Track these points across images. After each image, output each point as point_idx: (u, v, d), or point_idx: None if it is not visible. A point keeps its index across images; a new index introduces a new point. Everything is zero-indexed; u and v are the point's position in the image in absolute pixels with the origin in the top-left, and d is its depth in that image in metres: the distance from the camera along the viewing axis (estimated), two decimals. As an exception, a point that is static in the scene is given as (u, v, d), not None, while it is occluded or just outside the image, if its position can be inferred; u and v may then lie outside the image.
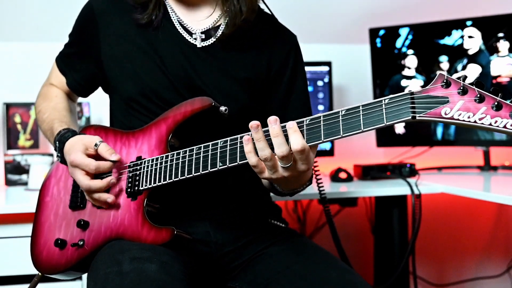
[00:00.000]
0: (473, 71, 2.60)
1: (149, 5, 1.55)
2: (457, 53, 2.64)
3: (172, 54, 1.54)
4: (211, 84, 1.53)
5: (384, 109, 1.10)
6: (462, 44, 2.63)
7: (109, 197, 1.43)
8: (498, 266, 3.07)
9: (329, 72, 2.73)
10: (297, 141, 1.20)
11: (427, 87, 1.07)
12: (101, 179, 1.44)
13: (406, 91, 1.10)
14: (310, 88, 2.69)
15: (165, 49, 1.55)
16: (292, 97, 1.61)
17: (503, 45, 2.54)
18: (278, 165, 1.23)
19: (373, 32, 2.79)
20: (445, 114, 1.03)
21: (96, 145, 1.44)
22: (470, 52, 2.61)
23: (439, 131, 2.69)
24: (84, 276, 1.89)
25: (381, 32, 2.78)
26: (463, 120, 1.01)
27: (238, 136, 1.30)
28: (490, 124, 0.98)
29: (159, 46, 1.55)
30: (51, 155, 2.43)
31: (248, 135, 1.26)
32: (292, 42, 1.65)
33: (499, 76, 2.55)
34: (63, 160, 1.51)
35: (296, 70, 1.63)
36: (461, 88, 1.02)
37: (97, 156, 1.44)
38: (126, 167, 1.48)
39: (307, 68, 2.63)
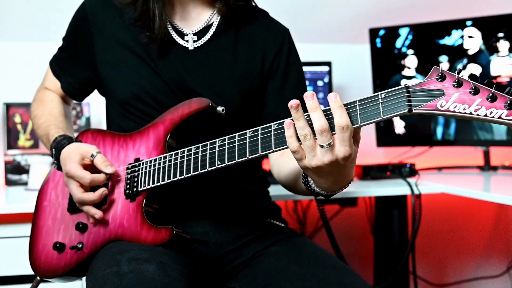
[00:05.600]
0: (473, 71, 2.59)
1: (150, 25, 1.53)
2: (457, 53, 2.64)
3: (165, 58, 1.55)
4: (205, 86, 1.54)
5: (380, 103, 1.11)
6: (462, 44, 2.63)
7: (96, 213, 1.42)
8: (498, 266, 3.07)
9: (329, 72, 2.73)
10: (342, 118, 1.13)
11: (422, 81, 1.07)
12: (94, 190, 1.43)
13: (403, 84, 1.10)
14: (310, 88, 2.69)
15: (158, 53, 1.55)
16: (287, 90, 1.61)
17: (503, 45, 2.54)
18: (317, 146, 1.16)
19: (373, 32, 2.80)
20: (441, 106, 1.03)
21: (92, 155, 1.44)
22: (470, 52, 2.61)
23: (439, 131, 2.69)
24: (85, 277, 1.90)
25: (381, 32, 2.78)
26: (459, 112, 1.01)
27: (236, 134, 1.29)
28: (486, 115, 0.99)
29: (152, 50, 1.55)
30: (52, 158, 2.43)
31: (291, 119, 1.20)
32: (284, 35, 1.65)
33: (499, 76, 2.55)
34: (59, 167, 1.51)
35: (290, 62, 1.63)
36: (456, 80, 1.03)
37: (93, 166, 1.45)
38: (124, 169, 1.48)
39: (307, 68, 2.67)
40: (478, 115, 0.99)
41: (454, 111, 1.02)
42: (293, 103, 1.16)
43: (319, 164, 1.17)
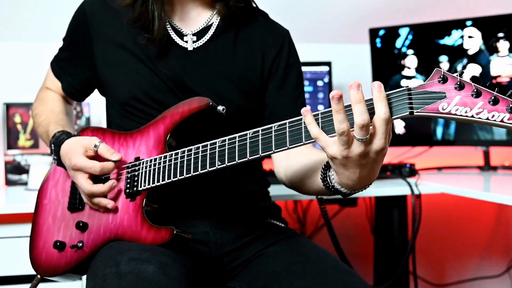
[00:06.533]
0: (473, 71, 2.60)
1: (150, 26, 1.52)
2: (457, 53, 2.64)
3: (164, 59, 1.54)
4: (204, 87, 1.53)
5: None
6: (462, 44, 2.63)
7: (109, 203, 1.42)
8: (498, 266, 3.07)
9: (329, 72, 2.72)
10: (385, 109, 1.09)
11: (424, 83, 1.07)
12: (102, 182, 1.44)
13: (404, 86, 1.10)
14: (310, 88, 2.69)
15: (157, 54, 1.54)
16: (285, 90, 1.61)
17: (503, 45, 2.54)
18: (353, 140, 1.11)
19: (373, 32, 2.79)
20: (443, 109, 1.03)
21: (95, 146, 1.43)
22: (470, 52, 2.61)
23: (439, 131, 2.69)
24: (85, 276, 1.90)
25: (381, 32, 2.78)
26: (461, 115, 1.01)
27: (237, 135, 1.29)
28: (488, 119, 0.98)
29: (151, 50, 1.54)
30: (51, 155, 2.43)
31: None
32: (284, 36, 1.64)
33: (499, 76, 2.55)
34: (59, 163, 1.50)
35: (289, 63, 1.62)
36: (458, 83, 1.02)
37: (97, 157, 1.44)
38: (124, 168, 1.47)
39: (307, 68, 2.67)
40: (479, 118, 0.99)
41: (455, 114, 1.01)
42: (335, 93, 1.11)
43: (349, 155, 1.13)
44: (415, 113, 1.07)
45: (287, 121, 1.22)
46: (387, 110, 1.09)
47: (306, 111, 1.15)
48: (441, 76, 1.05)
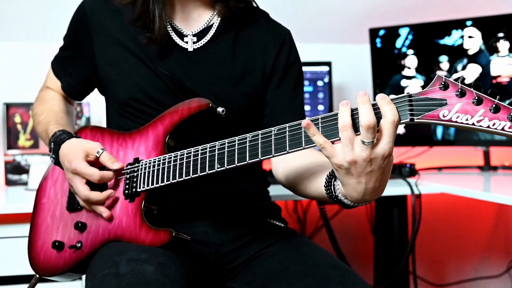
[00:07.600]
0: (473, 71, 2.59)
1: (150, 26, 1.52)
2: (457, 53, 2.64)
3: (163, 59, 1.54)
4: (204, 88, 1.53)
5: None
6: (462, 44, 2.63)
7: (104, 212, 1.41)
8: (498, 266, 3.07)
9: (329, 72, 2.72)
10: (393, 112, 1.07)
11: (425, 89, 1.06)
12: (99, 188, 1.43)
13: (405, 92, 1.09)
14: (310, 88, 2.69)
15: (157, 54, 1.54)
16: (284, 90, 1.60)
17: (503, 45, 2.53)
18: (359, 143, 1.09)
19: (373, 32, 2.79)
20: (443, 116, 1.02)
21: (98, 152, 1.43)
22: (470, 52, 2.61)
23: (439, 131, 2.69)
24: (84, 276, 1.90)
25: (381, 32, 2.78)
26: (461, 123, 1.01)
27: (236, 138, 1.29)
28: (488, 127, 0.98)
29: (151, 50, 1.54)
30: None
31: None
32: (285, 36, 1.63)
33: (499, 76, 2.54)
34: (57, 162, 1.50)
35: (289, 63, 1.61)
36: (459, 90, 1.02)
37: (96, 162, 1.44)
38: (123, 169, 1.47)
39: (307, 68, 2.67)
40: (480, 126, 0.99)
41: (456, 122, 1.01)
42: (344, 102, 1.10)
43: (355, 160, 1.10)
44: (415, 120, 1.06)
45: (287, 125, 1.21)
46: (395, 112, 1.08)
47: (307, 124, 1.13)
48: (442, 83, 1.04)
